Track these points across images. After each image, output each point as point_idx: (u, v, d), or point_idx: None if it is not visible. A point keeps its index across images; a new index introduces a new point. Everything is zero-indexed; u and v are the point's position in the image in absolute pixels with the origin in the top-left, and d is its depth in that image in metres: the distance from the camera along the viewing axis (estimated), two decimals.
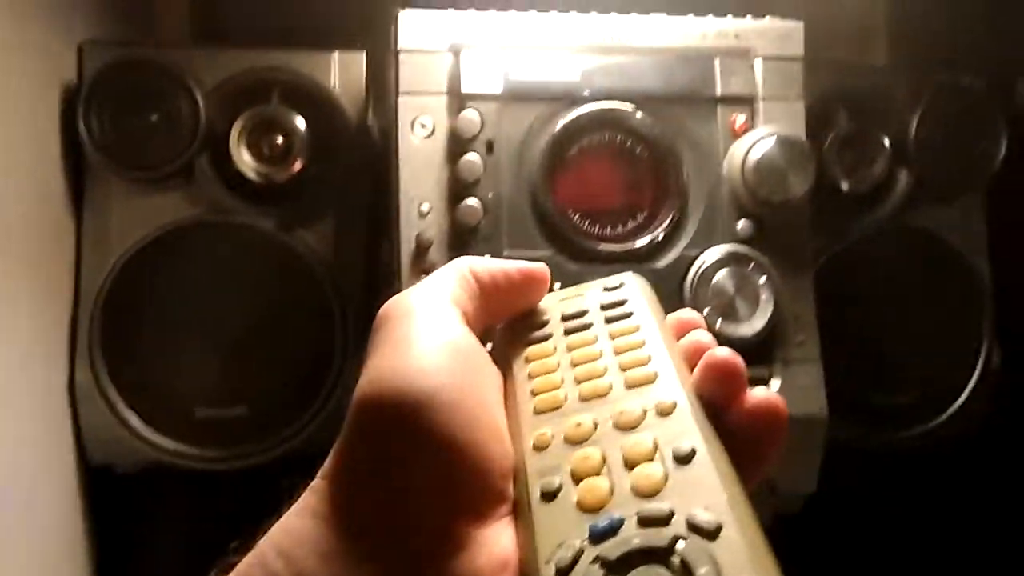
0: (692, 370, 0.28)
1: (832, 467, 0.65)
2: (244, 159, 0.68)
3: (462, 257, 0.33)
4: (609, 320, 0.32)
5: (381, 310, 0.30)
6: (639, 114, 0.61)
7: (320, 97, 0.70)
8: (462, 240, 0.59)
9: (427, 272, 0.57)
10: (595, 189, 0.62)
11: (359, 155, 0.70)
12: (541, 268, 0.34)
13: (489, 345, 0.32)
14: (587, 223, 0.61)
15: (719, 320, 0.60)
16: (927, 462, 0.78)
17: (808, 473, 0.65)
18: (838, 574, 0.77)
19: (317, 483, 0.27)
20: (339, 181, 0.70)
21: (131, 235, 0.67)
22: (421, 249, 0.59)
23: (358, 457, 0.27)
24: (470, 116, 0.59)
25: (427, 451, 0.26)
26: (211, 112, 0.67)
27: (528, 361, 0.32)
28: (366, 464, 0.27)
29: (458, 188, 0.59)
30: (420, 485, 0.26)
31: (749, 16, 0.62)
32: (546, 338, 0.33)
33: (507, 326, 0.34)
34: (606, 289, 0.34)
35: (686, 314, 0.32)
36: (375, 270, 0.71)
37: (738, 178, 0.61)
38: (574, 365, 0.30)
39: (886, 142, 0.72)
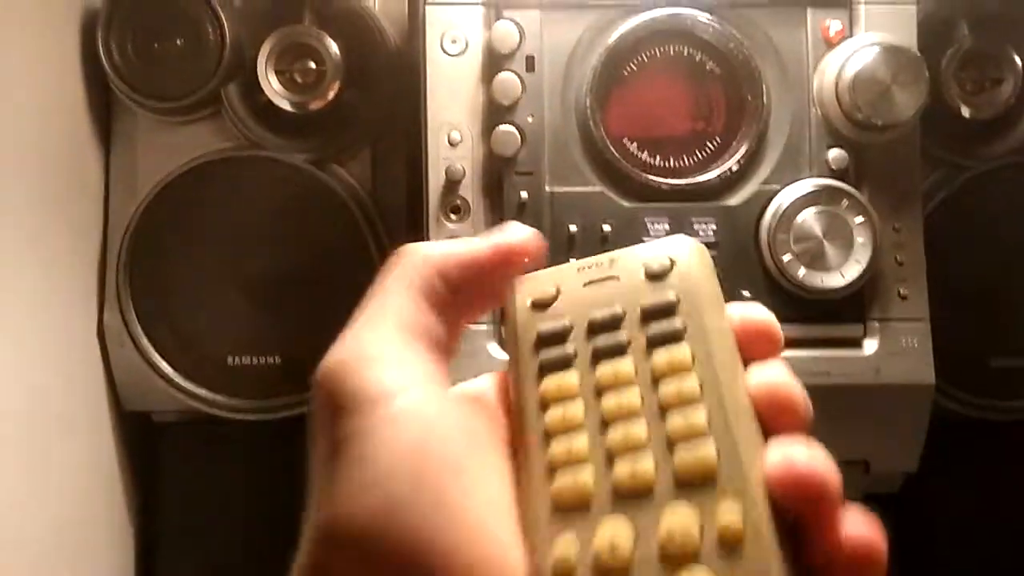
0: (762, 423, 0.22)
1: (939, 440, 0.56)
2: (273, 86, 0.62)
3: (407, 247, 0.26)
4: (653, 342, 0.25)
5: (321, 379, 0.24)
6: (711, 22, 0.51)
7: (356, 16, 0.63)
8: (497, 172, 0.51)
9: (457, 211, 0.51)
10: (656, 112, 0.53)
11: (399, 80, 0.63)
12: (515, 239, 0.27)
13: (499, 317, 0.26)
14: (645, 153, 0.52)
15: (803, 269, 0.50)
16: None
17: (910, 449, 0.55)
18: (940, 562, 0.67)
19: None
20: (378, 109, 0.63)
21: (158, 172, 0.63)
22: (451, 183, 0.51)
23: None
24: (506, 28, 0.50)
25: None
26: (238, 34, 0.61)
27: (543, 404, 0.25)
28: None
29: (492, 112, 0.51)
30: None
31: None
32: (567, 363, 0.25)
33: (513, 320, 0.27)
34: (649, 277, 0.26)
35: (754, 314, 0.25)
36: (418, 207, 0.64)
37: (831, 97, 0.51)
38: (605, 423, 0.24)
39: (1017, 60, 0.61)
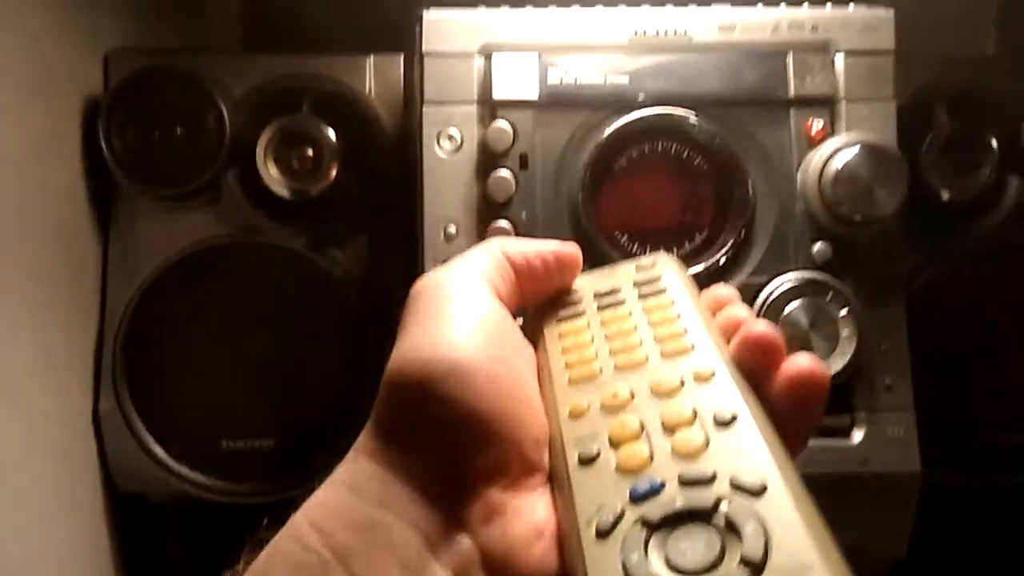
0: (729, 343, 0.29)
1: (929, 515, 0.57)
2: (271, 173, 0.63)
3: (495, 238, 0.33)
4: (643, 296, 0.33)
5: (413, 287, 0.30)
6: (698, 120, 0.53)
7: (353, 104, 0.65)
8: None
9: None
10: (646, 206, 0.54)
11: (395, 165, 0.65)
12: (574, 250, 0.35)
13: (520, 320, 0.32)
14: (635, 246, 0.54)
15: None
16: None
17: (899, 536, 0.55)
18: None
19: (350, 457, 0.28)
20: (374, 194, 0.65)
21: (156, 257, 0.63)
22: None
23: (391, 430, 0.27)
24: (501, 127, 0.52)
25: (459, 421, 0.26)
26: (238, 124, 0.63)
27: (562, 337, 0.32)
28: (398, 436, 0.27)
29: (487, 208, 0.52)
30: (453, 454, 0.26)
31: (829, 4, 0.53)
32: (579, 315, 0.33)
33: (539, 305, 0.34)
34: (639, 268, 0.35)
35: (721, 290, 0.33)
36: None
37: (815, 193, 0.52)
38: (608, 339, 0.31)
39: (994, 144, 0.63)
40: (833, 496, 0.51)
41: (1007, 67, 0.65)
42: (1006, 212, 0.64)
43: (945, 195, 0.63)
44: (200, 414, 0.64)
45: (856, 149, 0.51)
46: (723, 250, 0.53)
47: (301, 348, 0.64)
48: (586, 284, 0.35)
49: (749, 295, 0.53)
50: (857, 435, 0.53)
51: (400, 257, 0.65)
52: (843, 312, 0.52)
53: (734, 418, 0.25)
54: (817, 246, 0.53)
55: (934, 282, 0.63)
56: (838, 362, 0.51)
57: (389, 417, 0.27)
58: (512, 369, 0.28)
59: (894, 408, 0.53)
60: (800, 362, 0.27)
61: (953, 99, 0.64)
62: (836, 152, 0.51)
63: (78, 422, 0.63)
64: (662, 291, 0.32)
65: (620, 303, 0.32)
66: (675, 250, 0.54)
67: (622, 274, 0.35)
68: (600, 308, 0.33)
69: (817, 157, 0.52)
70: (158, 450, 0.63)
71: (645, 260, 0.35)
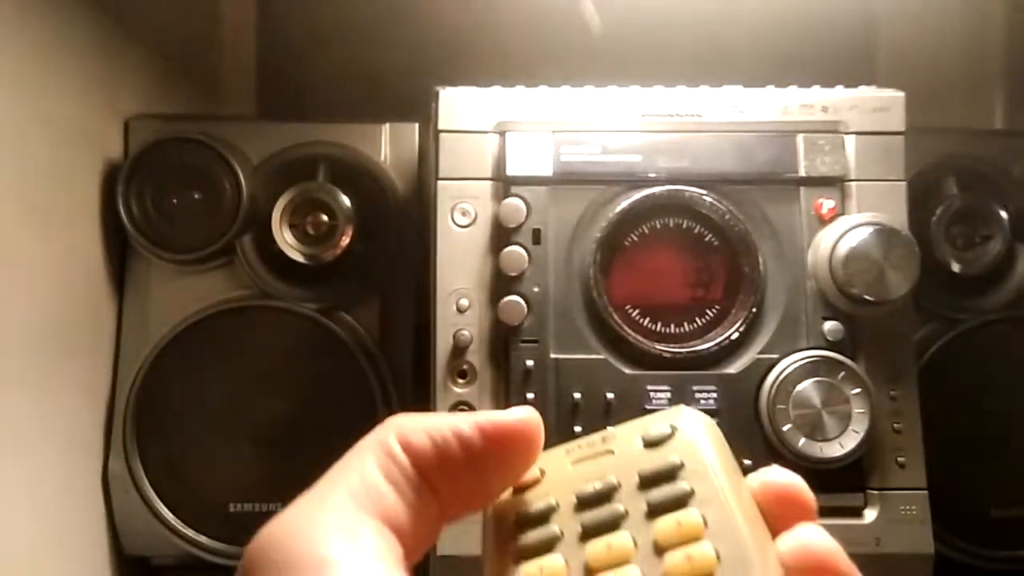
0: None
1: None
2: (286, 239, 0.64)
3: (392, 418, 0.23)
4: (654, 510, 0.21)
5: (249, 548, 0.21)
6: (709, 198, 0.54)
7: (368, 171, 0.66)
8: (503, 339, 0.53)
9: (464, 375, 0.52)
10: (657, 282, 0.55)
11: (409, 232, 0.66)
12: (518, 418, 0.23)
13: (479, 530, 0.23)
14: (647, 321, 0.54)
15: (802, 439, 0.51)
16: None
17: None
18: None
19: None
20: (387, 260, 0.65)
21: (170, 320, 0.64)
22: (459, 349, 0.53)
23: None
24: (515, 203, 0.53)
25: None
26: (255, 190, 0.64)
27: None
28: None
29: (500, 282, 0.53)
30: None
31: (840, 86, 0.54)
32: (550, 546, 0.21)
33: (495, 513, 0.24)
34: (647, 444, 0.23)
35: (779, 477, 0.22)
36: (425, 362, 0.65)
37: (825, 272, 0.52)
38: None
39: (1004, 216, 0.63)
40: None
41: (1015, 140, 0.65)
42: (1017, 284, 0.64)
43: (956, 267, 0.63)
44: (209, 477, 0.64)
45: (868, 230, 0.51)
46: (735, 327, 0.53)
47: (311, 412, 0.64)
48: (564, 475, 0.23)
49: (760, 373, 0.53)
50: (870, 515, 0.52)
51: (412, 323, 0.66)
52: (855, 391, 0.52)
53: None
54: (828, 324, 0.53)
55: (945, 352, 0.63)
56: (850, 441, 0.51)
57: None
58: None
59: (907, 487, 0.53)
60: None
61: (963, 172, 0.64)
62: (847, 232, 0.52)
63: (88, 483, 0.63)
64: (685, 497, 0.21)
65: (615, 524, 0.21)
66: (686, 326, 0.54)
67: (621, 455, 0.23)
68: (585, 535, 0.21)
69: (828, 236, 0.53)
70: (166, 512, 0.63)
71: (657, 425, 0.23)
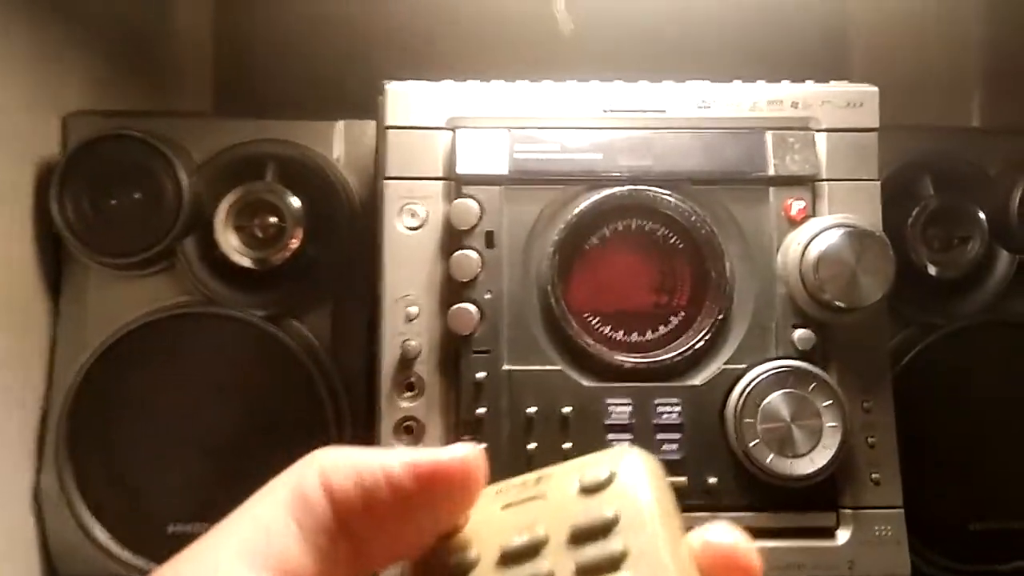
0: None
1: None
2: (230, 242, 0.60)
3: (318, 452, 0.21)
4: (583, 572, 0.19)
5: None
6: (673, 198, 0.51)
7: (319, 170, 0.62)
8: (454, 350, 0.49)
9: (412, 388, 0.49)
10: (618, 288, 0.51)
11: (361, 235, 0.62)
12: (458, 457, 0.21)
13: None
14: (608, 329, 0.51)
15: (771, 455, 0.48)
16: None
17: None
18: None
19: None
20: (339, 264, 0.62)
21: (108, 326, 0.60)
22: (406, 360, 0.49)
23: None
24: (467, 204, 0.49)
25: None
26: (198, 189, 0.60)
27: None
28: None
29: (450, 288, 0.50)
30: None
31: (810, 81, 0.51)
32: None
33: (412, 563, 0.22)
34: (583, 490, 0.21)
35: (722, 538, 0.20)
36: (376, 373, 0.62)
37: (795, 277, 0.50)
38: None
39: (982, 217, 0.61)
40: None
41: (993, 139, 0.63)
42: (995, 287, 0.62)
43: (932, 270, 0.61)
44: (147, 494, 0.60)
45: (840, 232, 0.49)
46: (700, 335, 0.50)
47: (258, 426, 0.61)
48: (492, 520, 0.22)
49: (726, 384, 0.50)
50: (842, 535, 0.49)
51: (366, 331, 0.63)
52: (827, 403, 0.49)
53: None
54: (799, 332, 0.50)
55: (920, 362, 0.61)
56: (821, 457, 0.48)
57: None
58: None
59: (882, 505, 0.50)
60: None
61: (940, 171, 0.62)
62: (818, 234, 0.49)
63: (18, 499, 0.59)
64: (615, 562, 0.19)
65: None
66: (649, 334, 0.51)
67: (554, 498, 0.21)
68: None
69: (798, 239, 0.50)
70: (99, 533, 0.60)
71: (594, 468, 0.21)
